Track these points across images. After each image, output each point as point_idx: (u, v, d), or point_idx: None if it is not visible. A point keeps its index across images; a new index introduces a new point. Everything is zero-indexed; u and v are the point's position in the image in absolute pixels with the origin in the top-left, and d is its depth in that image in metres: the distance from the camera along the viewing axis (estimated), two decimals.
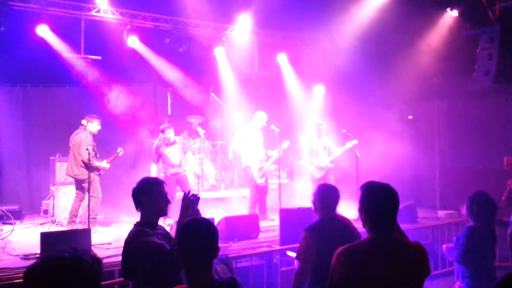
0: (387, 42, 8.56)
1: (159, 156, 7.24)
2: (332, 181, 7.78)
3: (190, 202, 2.72)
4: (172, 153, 7.24)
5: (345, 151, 7.64)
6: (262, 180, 7.44)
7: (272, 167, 8.24)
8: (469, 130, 8.38)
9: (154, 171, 7.13)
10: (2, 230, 6.39)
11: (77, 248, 1.47)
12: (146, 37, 8.77)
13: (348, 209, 7.98)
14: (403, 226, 6.55)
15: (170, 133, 7.20)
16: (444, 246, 4.04)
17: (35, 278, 1.39)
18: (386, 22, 8.18)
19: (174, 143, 7.30)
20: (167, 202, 2.85)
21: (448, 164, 8.91)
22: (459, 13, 8.12)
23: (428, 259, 2.38)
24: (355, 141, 7.47)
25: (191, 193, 2.78)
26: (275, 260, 5.35)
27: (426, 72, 8.28)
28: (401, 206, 8.13)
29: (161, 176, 7.06)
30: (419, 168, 9.21)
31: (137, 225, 2.78)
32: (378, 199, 2.28)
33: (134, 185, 2.84)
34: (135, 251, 2.63)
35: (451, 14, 8.23)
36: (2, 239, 6.01)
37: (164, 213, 2.85)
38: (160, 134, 7.21)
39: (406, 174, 9.12)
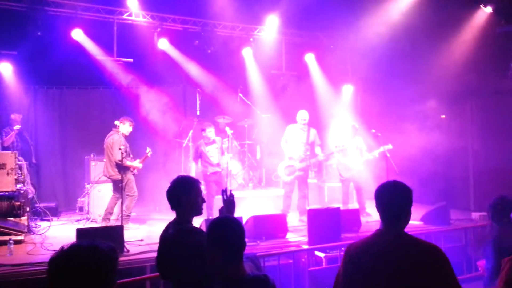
0: (418, 40, 8.37)
1: (199, 155, 7.36)
2: (361, 182, 7.68)
3: (232, 199, 2.74)
4: (212, 152, 7.35)
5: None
6: (289, 178, 7.37)
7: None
8: (504, 130, 8.08)
9: (193, 170, 7.19)
10: (40, 226, 6.68)
11: (95, 240, 1.67)
12: (176, 39, 8.96)
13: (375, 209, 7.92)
14: (435, 228, 6.40)
15: (211, 132, 7.31)
16: (478, 263, 3.64)
17: (58, 264, 1.58)
18: (417, 19, 8.00)
19: (213, 142, 7.41)
20: (203, 201, 2.85)
21: (482, 165, 8.62)
22: (494, 9, 7.86)
23: (446, 267, 2.15)
24: (389, 146, 7.33)
25: (227, 191, 2.78)
26: (303, 259, 5.35)
27: (459, 70, 8.04)
28: (432, 207, 7.73)
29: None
30: (452, 168, 8.96)
31: (179, 223, 2.74)
32: (386, 194, 2.33)
33: (170, 184, 2.80)
34: (191, 249, 2.55)
35: (485, 10, 7.98)
36: (40, 234, 6.26)
37: (201, 212, 2.84)
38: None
39: (438, 175, 8.90)
